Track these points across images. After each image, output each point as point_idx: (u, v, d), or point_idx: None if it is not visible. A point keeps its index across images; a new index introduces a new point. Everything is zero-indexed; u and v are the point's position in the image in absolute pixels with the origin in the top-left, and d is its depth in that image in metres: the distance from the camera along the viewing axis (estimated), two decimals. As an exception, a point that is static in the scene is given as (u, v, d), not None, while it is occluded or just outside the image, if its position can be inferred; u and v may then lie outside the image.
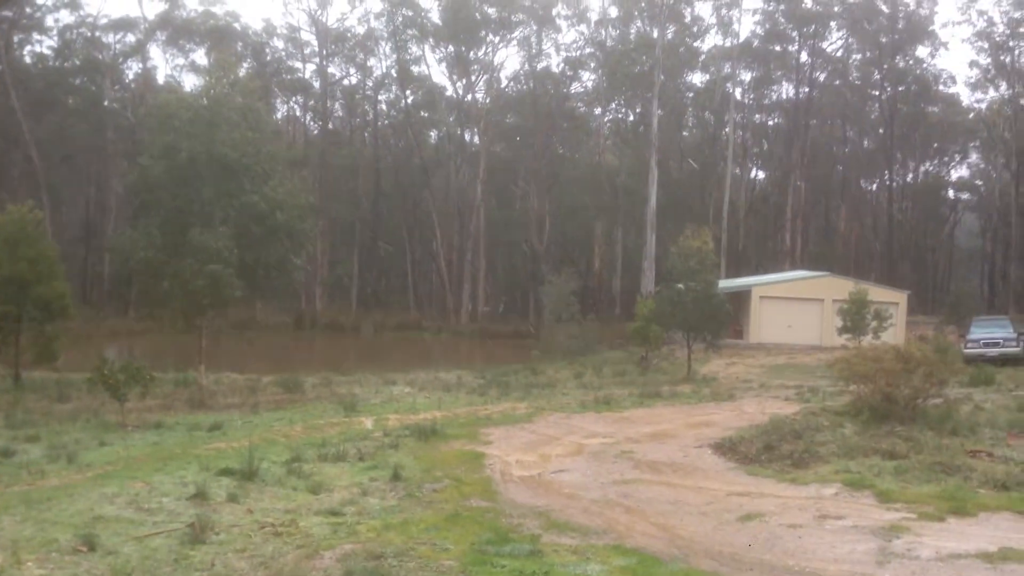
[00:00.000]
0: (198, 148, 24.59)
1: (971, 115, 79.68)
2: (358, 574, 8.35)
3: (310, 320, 63.78)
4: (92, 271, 68.14)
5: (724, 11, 72.47)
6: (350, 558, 8.89)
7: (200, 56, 71.21)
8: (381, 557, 8.94)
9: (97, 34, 70.83)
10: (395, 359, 39.87)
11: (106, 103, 69.37)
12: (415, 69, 77.91)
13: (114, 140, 67.61)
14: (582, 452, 15.86)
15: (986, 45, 73.68)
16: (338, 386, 27.50)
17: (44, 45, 70.33)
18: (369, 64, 78.58)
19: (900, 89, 78.60)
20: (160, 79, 73.75)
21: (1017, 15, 70.26)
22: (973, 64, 76.89)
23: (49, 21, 68.54)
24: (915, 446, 14.31)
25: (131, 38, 72.14)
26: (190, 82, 69.71)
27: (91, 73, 69.18)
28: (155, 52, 74.48)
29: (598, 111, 78.36)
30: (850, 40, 79.01)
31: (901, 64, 77.95)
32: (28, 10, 65.36)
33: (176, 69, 75.12)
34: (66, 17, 68.94)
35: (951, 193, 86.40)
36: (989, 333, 33.72)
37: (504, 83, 78.51)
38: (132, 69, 74.96)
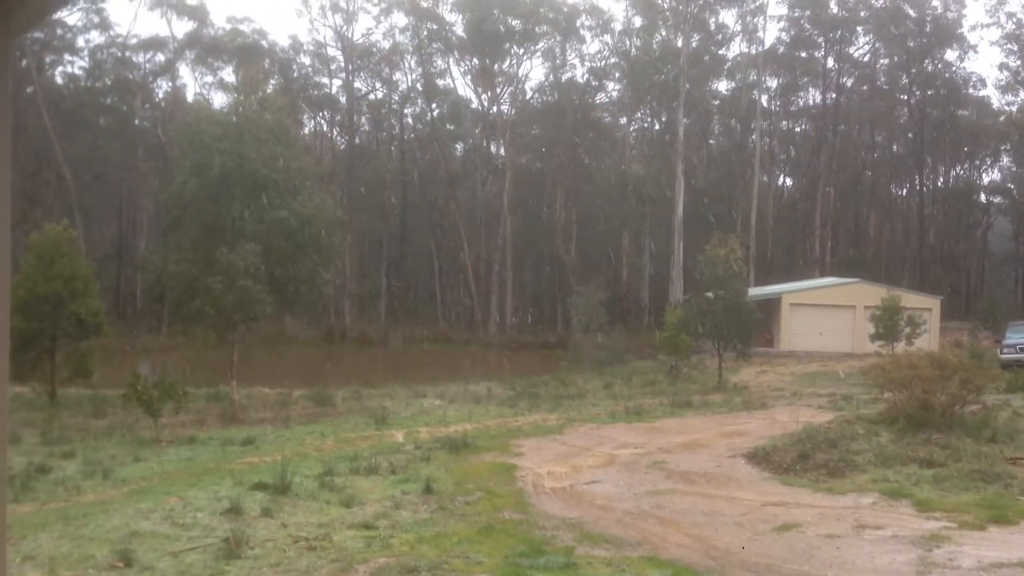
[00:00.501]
0: (229, 164, 24.84)
1: (1002, 118, 78.64)
2: (393, 588, 8.33)
3: (339, 334, 64.00)
4: (125, 288, 68.83)
5: (749, 18, 72.25)
6: (384, 572, 8.87)
7: (228, 74, 71.95)
8: (415, 571, 8.91)
9: (127, 54, 71.76)
10: (424, 372, 39.93)
11: (136, 122, 70.24)
12: (440, 82, 78.34)
13: (145, 158, 68.40)
14: (614, 463, 15.77)
15: (1015, 47, 72.90)
16: (368, 399, 27.57)
17: (75, 66, 71.42)
18: (395, 78, 79.18)
19: (929, 93, 77.83)
20: (189, 97, 74.68)
21: (1047, 16, 69.50)
22: (1003, 67, 76.12)
23: (80, 42, 69.52)
24: (953, 454, 14.10)
25: (160, 57, 73.09)
26: (219, 100, 70.54)
27: (121, 92, 70.06)
28: (184, 71, 75.31)
29: (623, 121, 78.29)
30: (877, 45, 78.44)
31: (930, 68, 77.23)
32: (59, 31, 66.31)
33: (205, 87, 76.00)
34: (96, 38, 69.94)
35: (983, 197, 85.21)
36: (1026, 338, 33.24)
37: (529, 94, 78.73)
38: (162, 88, 75.95)
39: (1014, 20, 71.73)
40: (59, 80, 70.45)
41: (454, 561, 9.32)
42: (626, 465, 15.51)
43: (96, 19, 67.92)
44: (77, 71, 71.40)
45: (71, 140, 63.85)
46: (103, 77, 70.24)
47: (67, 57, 70.46)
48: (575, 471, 15.05)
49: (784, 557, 9.66)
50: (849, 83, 78.02)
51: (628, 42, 73.41)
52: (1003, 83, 77.33)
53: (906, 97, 79.74)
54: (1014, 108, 76.92)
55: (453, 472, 14.73)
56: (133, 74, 71.59)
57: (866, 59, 79.00)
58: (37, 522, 10.85)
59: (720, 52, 75.18)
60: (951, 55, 77.89)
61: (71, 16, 65.38)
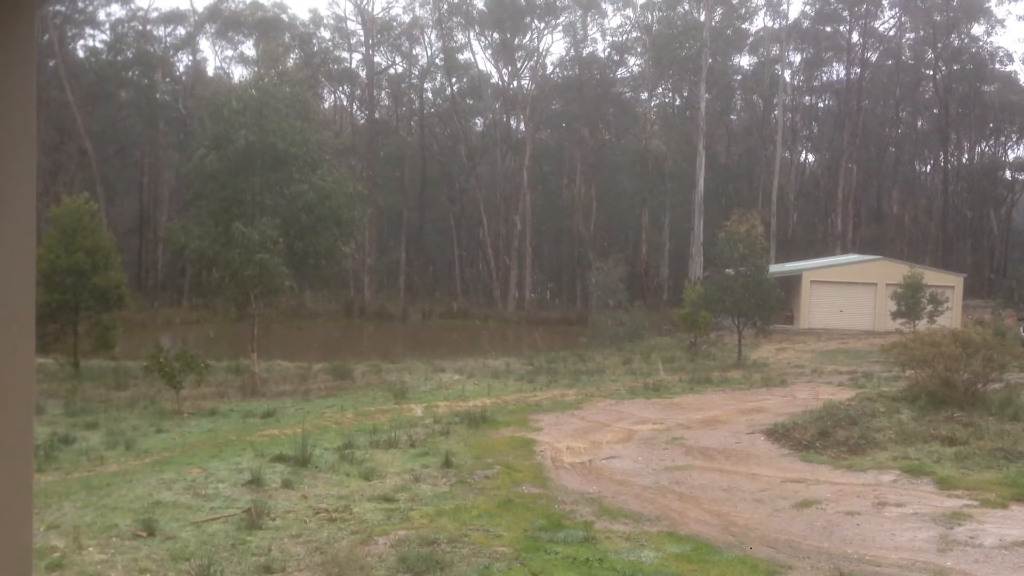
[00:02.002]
0: (250, 138, 24.87)
1: (1029, 93, 77.56)
2: (412, 560, 8.38)
3: (359, 308, 64.20)
4: (146, 261, 69.31)
5: (773, -9, 71.35)
6: (404, 544, 8.92)
7: (248, 48, 71.92)
8: (434, 543, 8.96)
9: (148, 27, 71.87)
10: (443, 346, 40.02)
11: (158, 96, 70.40)
12: (460, 57, 77.99)
13: (166, 132, 68.65)
14: (632, 439, 15.77)
15: (1044, 21, 71.65)
16: (387, 373, 27.67)
17: (97, 39, 71.59)
18: (415, 53, 78.87)
19: (955, 68, 76.76)
20: (210, 71, 74.82)
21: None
22: (1031, 41, 74.81)
23: (101, 15, 69.72)
24: (975, 432, 14.02)
25: (181, 31, 73.20)
26: (239, 73, 70.56)
27: (143, 66, 70.22)
28: (205, 44, 75.67)
29: (644, 96, 77.68)
30: (903, 19, 77.35)
31: (956, 43, 76.12)
32: (81, 4, 66.49)
33: (225, 61, 76.22)
34: (118, 11, 70.12)
35: (1008, 174, 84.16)
36: (1049, 317, 32.91)
37: (550, 69, 78.22)
38: (183, 62, 76.10)
39: (1043, -6, 70.51)
40: (81, 54, 70.68)
41: (473, 534, 9.36)
42: (645, 441, 15.51)
43: (118, -8, 68.06)
44: (99, 44, 71.63)
45: (93, 113, 64.10)
46: (124, 51, 70.37)
47: (88, 31, 70.68)
48: (594, 446, 15.07)
49: (804, 533, 9.64)
50: (874, 58, 77.04)
51: (650, 16, 72.75)
52: (1031, 58, 76.15)
53: (931, 72, 78.69)
54: (1041, 84, 75.80)
55: (472, 446, 14.78)
56: (154, 48, 71.71)
57: (891, 34, 77.98)
58: (61, 491, 10.98)
59: (743, 26, 74.40)
60: (978, 29, 76.83)
61: (92, -11, 65.52)
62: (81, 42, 71.01)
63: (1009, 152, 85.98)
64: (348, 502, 10.73)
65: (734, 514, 10.52)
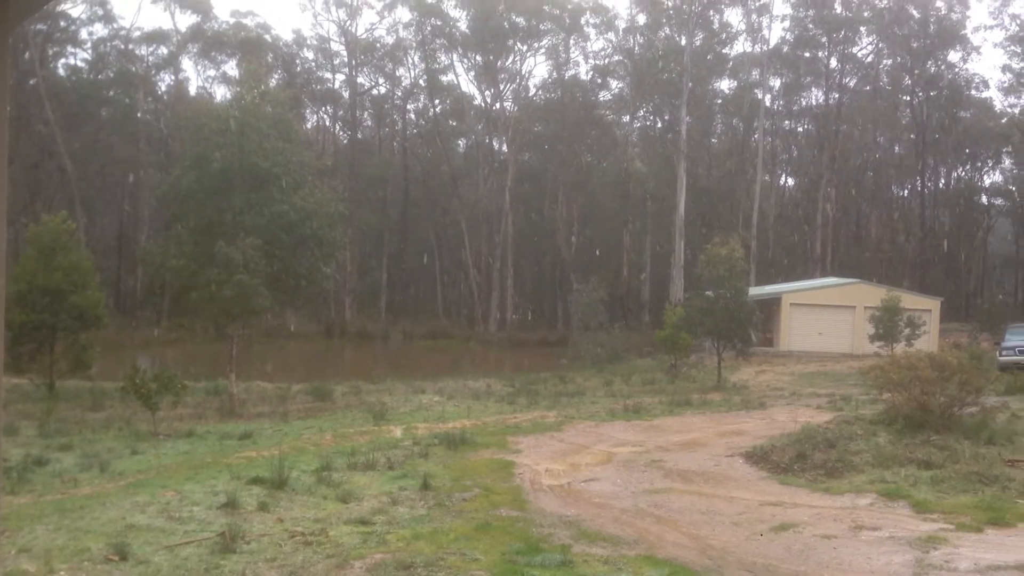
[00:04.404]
0: (229, 158, 24.82)
1: (1004, 120, 78.54)
2: (388, 584, 8.31)
3: (339, 329, 64.01)
4: (125, 281, 68.86)
5: (754, 17, 72.22)
6: (380, 568, 8.86)
7: (232, 67, 71.96)
8: (411, 567, 8.90)
9: (130, 47, 71.70)
10: (424, 367, 39.93)
11: (139, 115, 70.21)
12: (443, 78, 78.27)
13: (147, 151, 68.38)
14: (612, 461, 15.75)
15: (1019, 49, 72.67)
16: (367, 395, 27.56)
17: (78, 58, 71.34)
18: (398, 74, 79.13)
19: (932, 94, 77.78)
20: (192, 90, 74.67)
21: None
22: (1006, 68, 75.81)
23: (83, 34, 69.51)
24: (951, 455, 14.08)
25: (164, 50, 73.06)
26: (222, 93, 70.48)
27: (124, 85, 70.00)
28: (187, 64, 75.43)
29: (626, 119, 78.17)
30: (880, 45, 78.36)
31: (932, 69, 77.16)
32: (63, 24, 66.28)
33: (208, 80, 75.95)
34: (100, 30, 69.89)
35: (984, 199, 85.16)
36: (1024, 340, 33.20)
37: (532, 91, 78.64)
38: (165, 81, 75.93)
39: (1018, 22, 71.58)
40: (62, 72, 70.34)
41: (450, 558, 9.30)
42: (624, 463, 15.49)
43: (100, 11, 68.00)
44: (80, 63, 71.37)
45: (73, 132, 63.81)
46: (106, 70, 70.19)
47: (70, 49, 70.42)
48: (573, 469, 15.04)
49: (781, 557, 9.65)
50: (852, 83, 77.94)
51: (632, 40, 73.34)
52: (1006, 85, 77.16)
53: (908, 98, 79.69)
54: (1016, 110, 76.78)
55: (451, 468, 14.71)
56: (136, 67, 71.54)
57: (869, 59, 78.95)
58: (33, 514, 10.84)
59: (724, 51, 75.10)
60: (954, 56, 77.92)
61: (75, 8, 65.42)
62: (63, 61, 70.81)
63: (985, 177, 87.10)
64: (324, 525, 10.65)
65: (712, 537, 10.51)
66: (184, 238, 25.15)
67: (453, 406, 24.55)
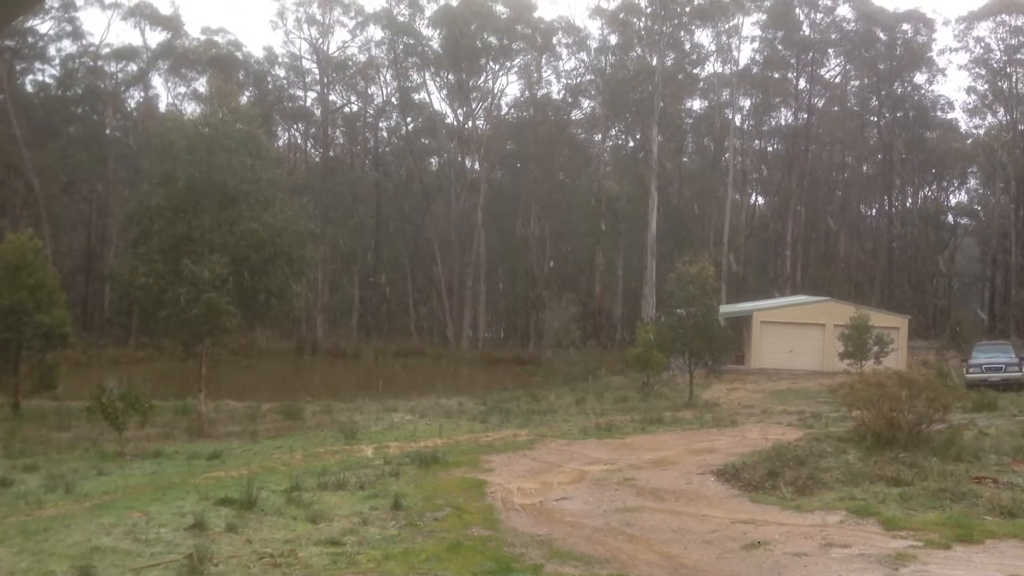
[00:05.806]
0: (196, 175, 24.66)
1: (969, 141, 79.87)
2: (358, 605, 8.23)
3: (311, 347, 63.64)
4: (93, 299, 68.08)
5: (724, 38, 73.01)
6: (350, 589, 8.76)
7: (202, 85, 71.52)
8: (381, 588, 8.82)
9: (99, 63, 71.19)
10: (396, 386, 39.73)
11: (108, 132, 69.69)
12: (416, 96, 78.43)
13: (116, 169, 67.86)
14: (584, 479, 15.73)
15: (983, 72, 74.08)
16: (338, 413, 27.38)
17: (46, 74, 70.75)
18: (370, 92, 79.16)
19: (898, 115, 78.95)
20: (162, 107, 74.18)
21: (1014, 42, 70.71)
22: (971, 90, 77.23)
23: (51, 51, 69.00)
24: (920, 472, 14.17)
25: (133, 67, 72.56)
26: (192, 110, 70.05)
27: (93, 102, 69.48)
28: (157, 81, 74.75)
29: (598, 137, 78.71)
30: (848, 67, 79.50)
31: (899, 90, 78.33)
32: (31, 40, 65.77)
33: (178, 98, 75.53)
34: (68, 47, 69.41)
35: (951, 218, 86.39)
36: (991, 358, 33.64)
37: (504, 110, 78.99)
38: (134, 98, 75.47)
39: (982, 45, 73.00)
40: (29, 88, 69.76)
41: (421, 578, 9.23)
42: (596, 482, 15.47)
43: (68, 28, 67.58)
44: (48, 80, 70.79)
45: (40, 149, 63.13)
46: (74, 86, 69.62)
47: (38, 65, 69.86)
48: (545, 487, 14.99)
49: (752, 575, 9.66)
50: (820, 104, 78.99)
51: (604, 60, 73.92)
52: (971, 106, 78.56)
53: (876, 119, 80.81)
54: (981, 131, 78.19)
55: (422, 488, 14.62)
56: (105, 83, 71.06)
57: (837, 80, 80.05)
58: (-5, 537, 10.64)
59: (694, 71, 75.91)
60: (920, 78, 79.13)
61: (43, 25, 65.00)
62: (30, 77, 70.18)
63: (951, 197, 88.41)
64: (294, 546, 10.53)
65: (684, 556, 10.51)
66: (152, 256, 24.91)
67: (425, 425, 24.44)
